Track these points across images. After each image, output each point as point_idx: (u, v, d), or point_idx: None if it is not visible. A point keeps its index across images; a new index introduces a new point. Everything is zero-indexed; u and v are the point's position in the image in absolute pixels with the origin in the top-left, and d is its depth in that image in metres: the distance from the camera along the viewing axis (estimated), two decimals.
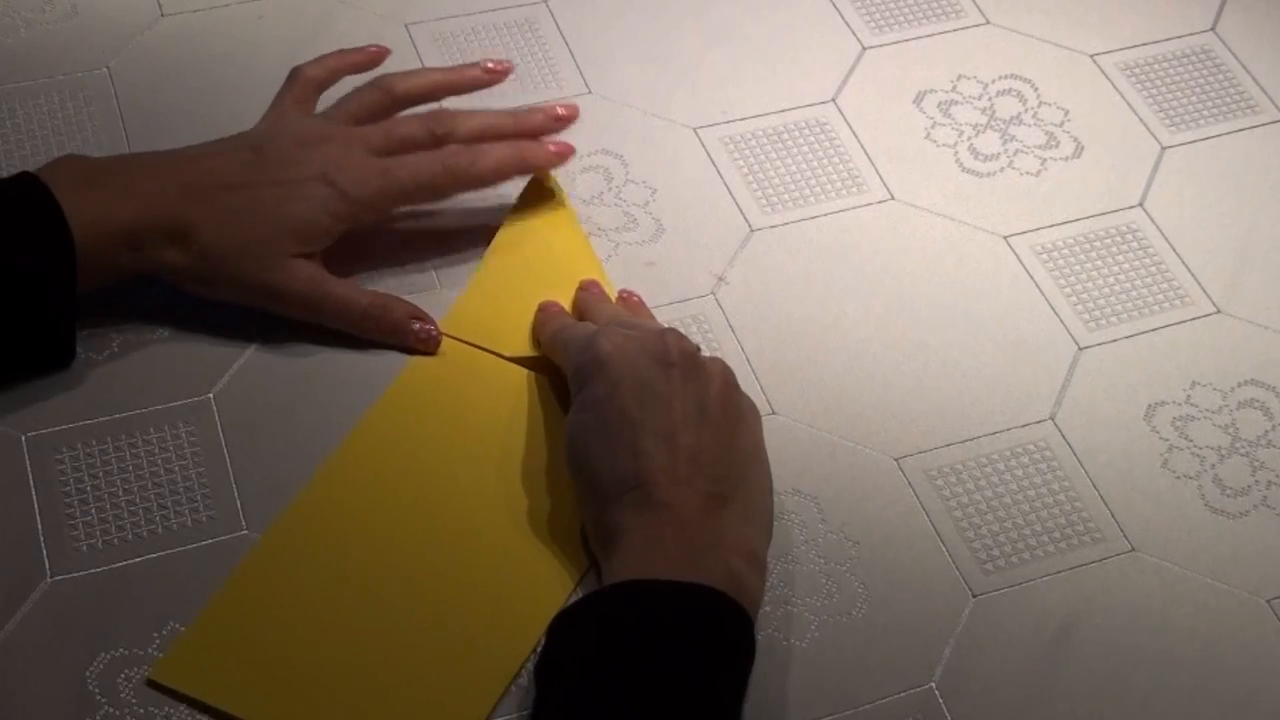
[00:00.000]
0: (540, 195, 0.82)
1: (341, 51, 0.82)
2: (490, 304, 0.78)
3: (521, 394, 0.75)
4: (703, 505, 0.65)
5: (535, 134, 0.81)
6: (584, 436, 0.68)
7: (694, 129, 0.87)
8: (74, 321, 0.72)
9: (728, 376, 0.70)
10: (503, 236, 0.80)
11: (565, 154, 0.81)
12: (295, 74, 0.80)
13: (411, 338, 0.75)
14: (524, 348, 0.76)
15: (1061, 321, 0.80)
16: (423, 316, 0.76)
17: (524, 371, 0.75)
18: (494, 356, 0.76)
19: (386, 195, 0.76)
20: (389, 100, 0.80)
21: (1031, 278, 0.82)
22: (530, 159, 0.80)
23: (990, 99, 0.90)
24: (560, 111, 0.82)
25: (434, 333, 0.76)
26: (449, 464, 0.72)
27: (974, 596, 0.70)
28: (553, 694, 0.61)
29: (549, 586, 0.68)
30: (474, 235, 0.81)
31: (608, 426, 0.67)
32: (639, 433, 0.66)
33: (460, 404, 0.74)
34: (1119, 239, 0.84)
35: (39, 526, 0.69)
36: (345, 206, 0.75)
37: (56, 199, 0.70)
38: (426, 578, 0.68)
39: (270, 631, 0.66)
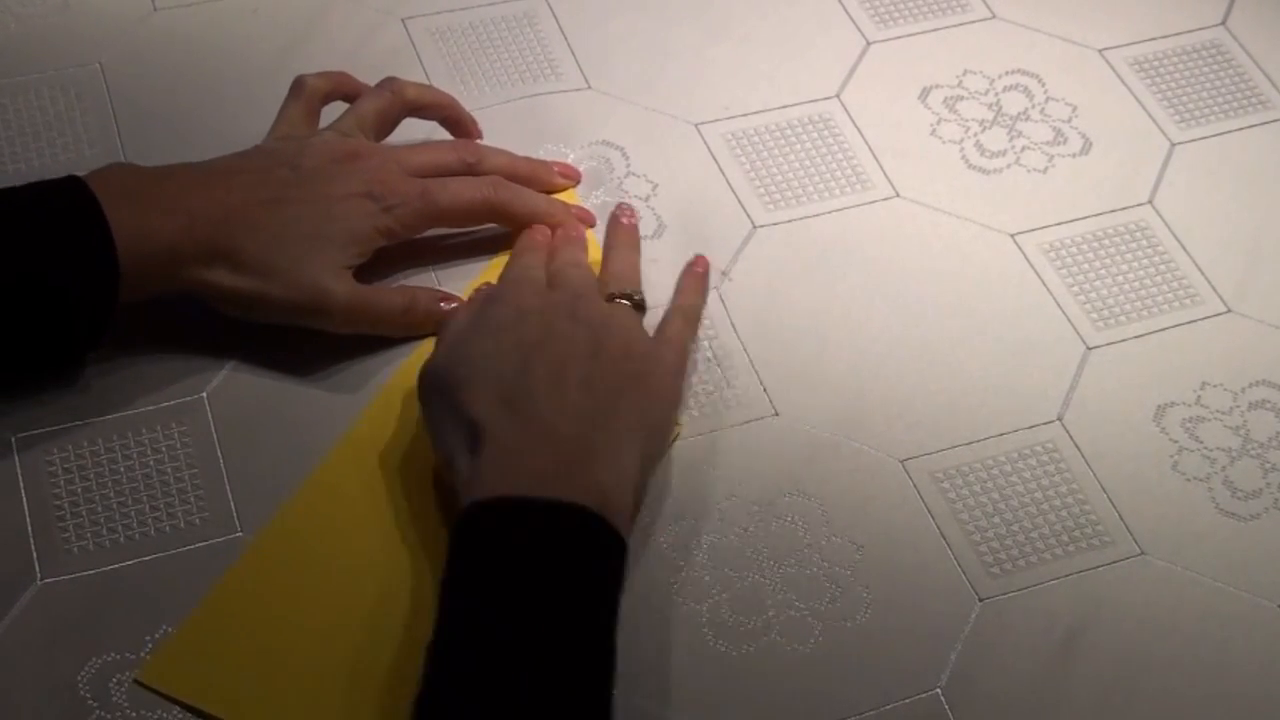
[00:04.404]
0: None
1: (343, 74, 0.81)
2: None
3: None
4: (576, 419, 0.65)
5: (546, 187, 0.82)
6: (464, 335, 0.69)
7: (696, 125, 0.87)
8: (103, 335, 0.71)
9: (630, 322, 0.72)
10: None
11: (590, 224, 0.81)
12: (300, 85, 0.79)
13: (442, 318, 0.75)
14: None
15: (1069, 321, 0.80)
16: (449, 297, 0.76)
17: None
18: None
19: (425, 215, 0.76)
20: (399, 105, 0.80)
21: (1039, 276, 0.81)
22: (565, 223, 0.80)
23: (997, 94, 0.90)
24: (569, 172, 0.83)
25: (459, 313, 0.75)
26: None
27: (980, 601, 0.69)
28: (440, 616, 0.61)
29: None
30: (474, 239, 0.80)
31: (496, 326, 0.69)
32: (525, 342, 0.68)
33: None
34: (1128, 237, 0.83)
35: (29, 529, 0.68)
36: (389, 222, 0.75)
37: (104, 212, 0.69)
38: (418, 581, 0.67)
39: (261, 635, 0.65)
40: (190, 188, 0.72)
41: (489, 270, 0.79)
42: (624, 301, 0.74)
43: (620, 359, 0.69)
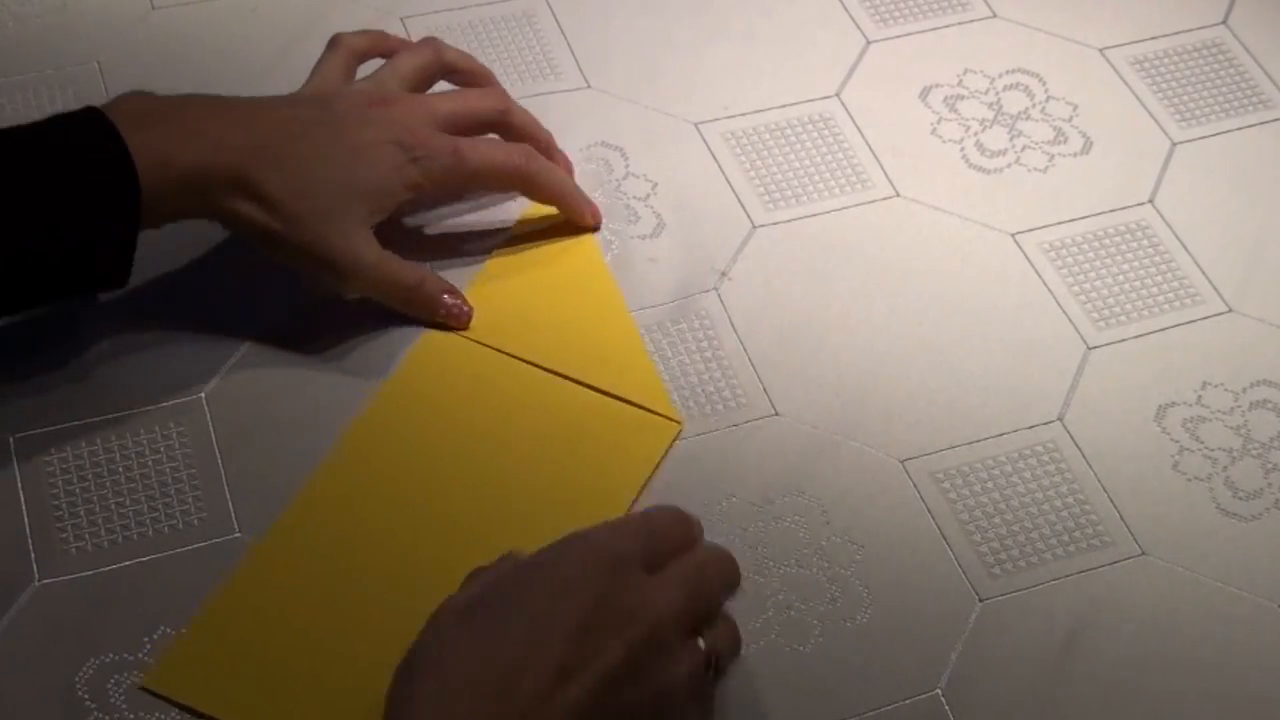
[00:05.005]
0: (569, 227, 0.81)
1: (382, 32, 0.81)
2: (492, 302, 0.77)
3: (517, 391, 0.74)
4: None
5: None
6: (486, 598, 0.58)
7: (695, 124, 0.86)
8: (132, 251, 0.69)
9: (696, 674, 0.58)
10: (517, 234, 0.80)
11: (598, 223, 0.81)
12: (337, 41, 0.79)
13: (443, 310, 0.75)
14: (526, 349, 0.75)
15: (1070, 320, 0.79)
16: (454, 291, 0.76)
17: (520, 366, 0.74)
18: (491, 351, 0.75)
19: (454, 173, 0.75)
20: (437, 64, 0.79)
21: (1039, 276, 0.81)
22: (580, 208, 0.80)
23: (997, 94, 0.89)
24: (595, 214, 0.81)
25: (465, 308, 0.75)
26: (446, 463, 0.71)
27: (981, 601, 0.69)
28: None
29: None
30: (475, 233, 0.80)
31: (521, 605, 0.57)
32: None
33: (456, 402, 0.73)
34: (1128, 236, 0.83)
35: (27, 529, 0.68)
36: (416, 175, 0.74)
37: (122, 136, 0.68)
38: (425, 581, 0.67)
39: (267, 637, 0.65)
40: (213, 114, 0.71)
41: (484, 271, 0.79)
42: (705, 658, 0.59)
43: None
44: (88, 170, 0.68)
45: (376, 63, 0.80)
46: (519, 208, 0.81)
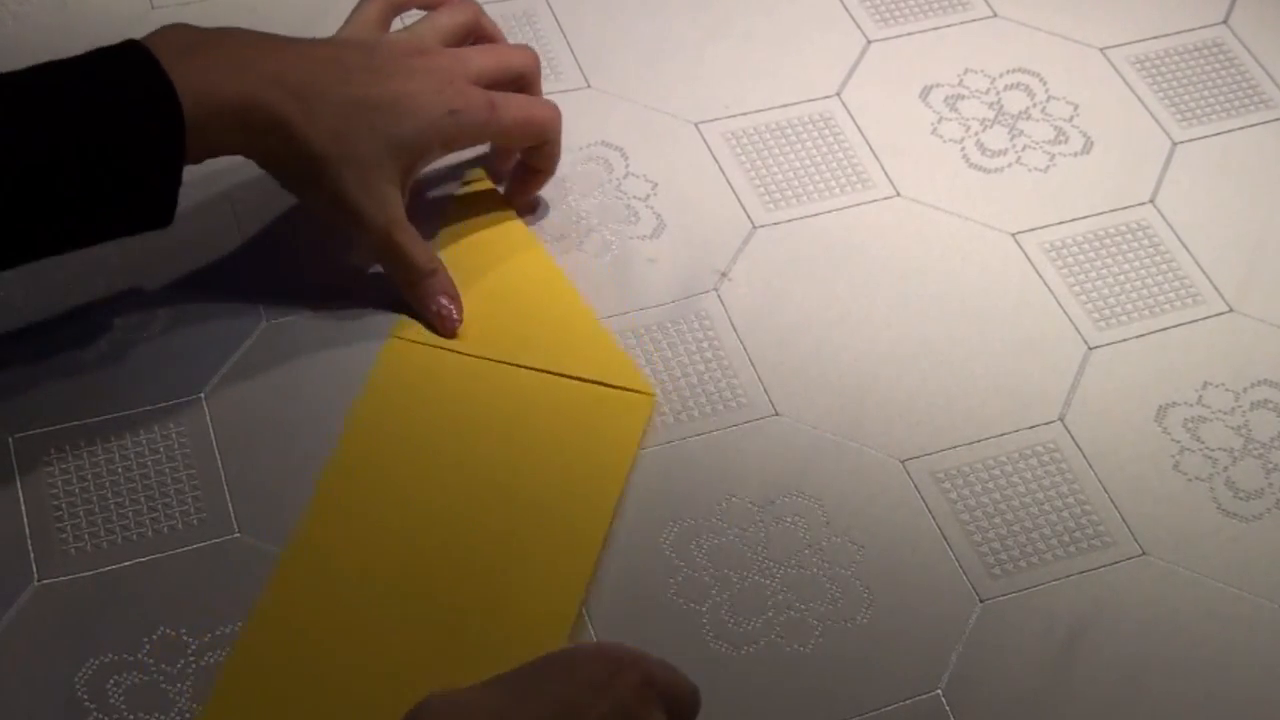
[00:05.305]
0: (485, 204, 0.81)
1: None
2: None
3: (487, 391, 0.74)
4: None
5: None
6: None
7: (695, 124, 0.86)
8: (178, 184, 0.69)
9: None
10: (447, 238, 0.80)
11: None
12: None
13: (439, 310, 0.75)
14: (487, 346, 0.75)
15: (1070, 320, 0.79)
16: (456, 297, 0.75)
17: (485, 365, 0.74)
18: (453, 355, 0.75)
19: (488, 128, 0.76)
20: (475, 26, 0.80)
21: (1040, 276, 0.81)
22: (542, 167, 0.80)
23: (998, 93, 0.89)
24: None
25: (456, 318, 0.75)
26: (437, 473, 0.71)
27: (981, 602, 0.69)
28: None
29: (565, 580, 0.67)
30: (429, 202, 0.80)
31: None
32: None
33: (430, 411, 0.73)
34: (1129, 236, 0.83)
35: (26, 529, 0.68)
36: (454, 130, 0.74)
37: (164, 67, 0.67)
38: (447, 580, 0.67)
39: (305, 662, 0.65)
40: (257, 48, 0.71)
41: (444, 237, 0.78)
42: None
43: None
44: (131, 101, 0.67)
45: (412, 15, 0.80)
46: (443, 205, 0.81)
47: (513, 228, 0.80)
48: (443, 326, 0.75)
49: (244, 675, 0.64)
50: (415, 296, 0.75)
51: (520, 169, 0.81)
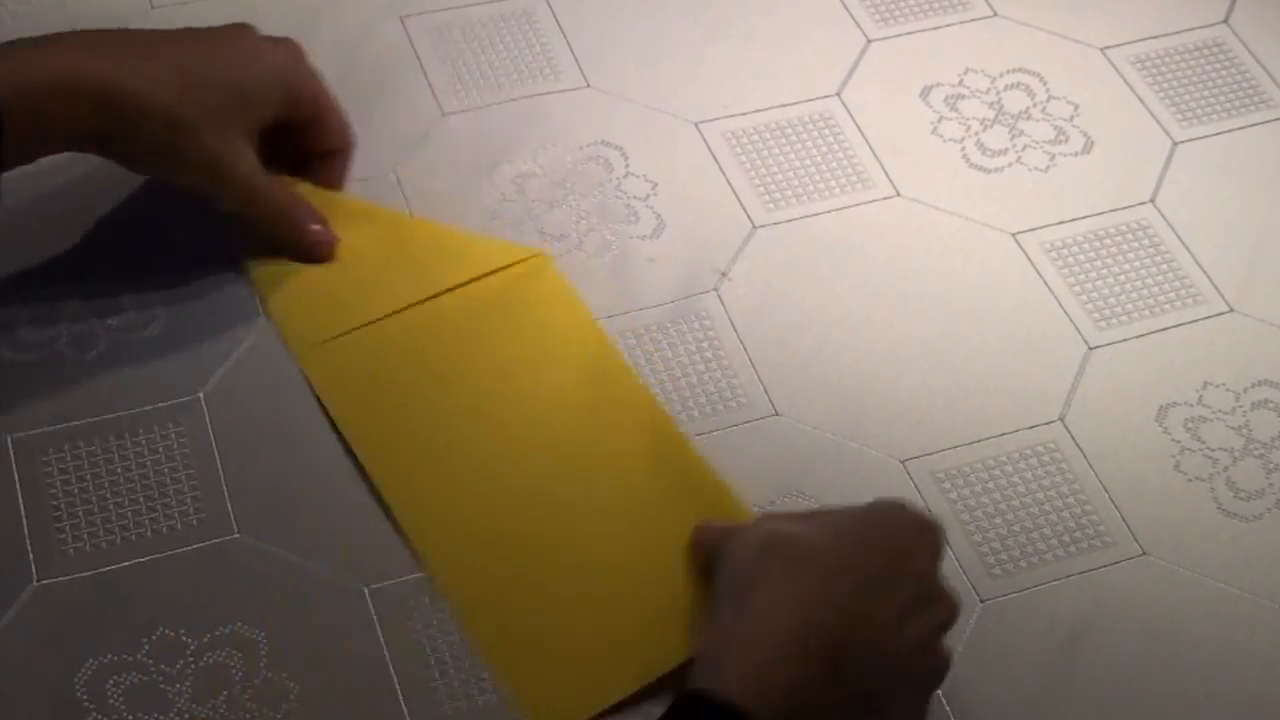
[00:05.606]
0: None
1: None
2: (312, 293, 0.77)
3: (421, 334, 0.75)
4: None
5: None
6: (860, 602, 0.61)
7: (695, 124, 0.86)
8: None
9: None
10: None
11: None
12: None
13: (309, 237, 0.76)
14: (394, 298, 0.76)
15: (1071, 320, 0.79)
16: (320, 219, 0.77)
17: (405, 315, 0.76)
18: (372, 327, 0.75)
19: (319, 84, 0.78)
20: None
21: (1040, 276, 0.81)
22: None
23: (998, 93, 0.89)
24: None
25: (329, 237, 0.76)
26: (454, 402, 0.73)
27: (982, 602, 0.69)
28: None
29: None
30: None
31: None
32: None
33: (393, 371, 0.74)
34: (1129, 236, 0.83)
35: (25, 530, 0.68)
36: (296, 80, 0.75)
37: None
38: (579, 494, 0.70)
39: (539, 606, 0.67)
40: (84, 33, 0.71)
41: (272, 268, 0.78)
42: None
43: None
44: None
45: None
46: None
47: (331, 198, 0.79)
48: (322, 251, 0.76)
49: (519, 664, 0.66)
50: (288, 229, 0.76)
51: (319, 162, 0.80)
